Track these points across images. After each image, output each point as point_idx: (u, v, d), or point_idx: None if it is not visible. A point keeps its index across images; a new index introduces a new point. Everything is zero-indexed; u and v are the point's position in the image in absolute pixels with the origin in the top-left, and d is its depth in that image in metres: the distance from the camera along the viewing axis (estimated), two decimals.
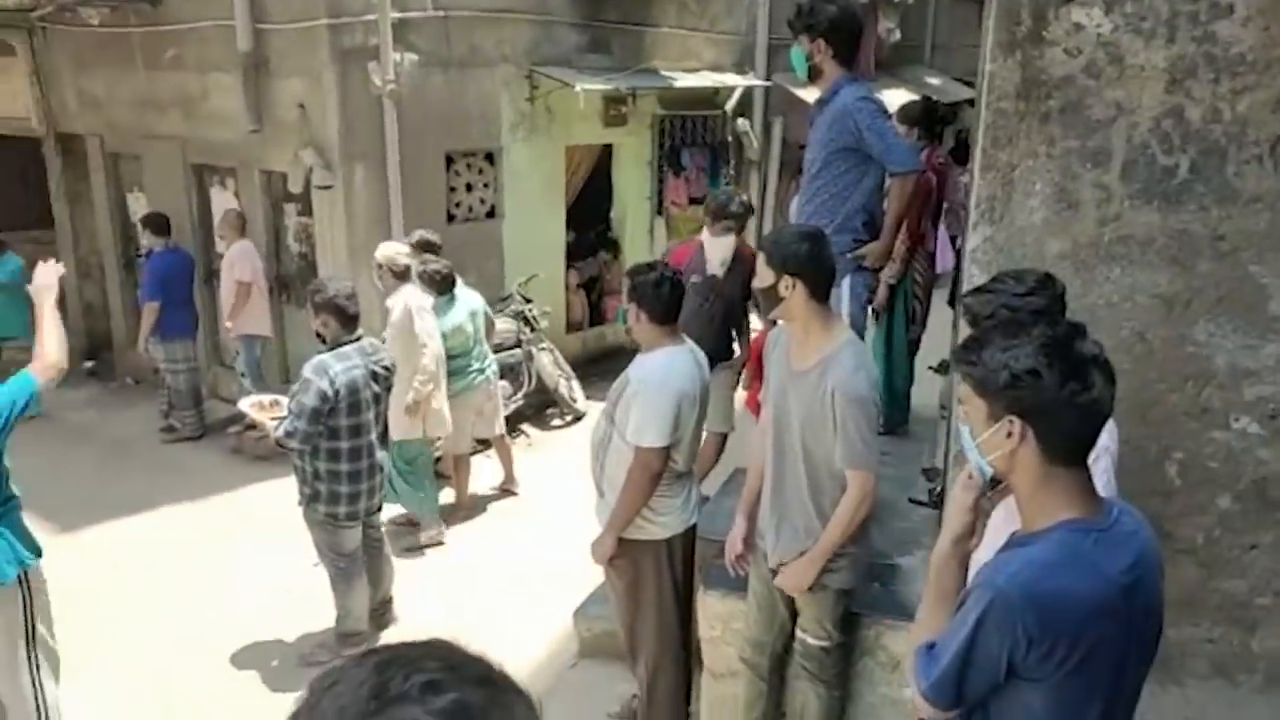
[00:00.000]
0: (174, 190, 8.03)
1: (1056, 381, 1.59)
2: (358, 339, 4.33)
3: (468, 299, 5.87)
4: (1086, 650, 1.59)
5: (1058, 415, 1.61)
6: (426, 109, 6.98)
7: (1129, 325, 2.97)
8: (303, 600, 4.95)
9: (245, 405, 4.65)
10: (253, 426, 6.53)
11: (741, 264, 4.70)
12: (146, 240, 7.46)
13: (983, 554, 1.85)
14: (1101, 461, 2.05)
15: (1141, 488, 2.92)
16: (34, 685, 3.53)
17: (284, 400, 4.38)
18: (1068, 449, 1.65)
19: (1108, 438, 2.04)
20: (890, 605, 3.34)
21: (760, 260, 2.94)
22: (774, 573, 3.09)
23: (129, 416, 8.04)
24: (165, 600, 5.14)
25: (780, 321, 3.10)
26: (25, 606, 3.45)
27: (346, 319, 4.28)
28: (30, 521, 3.56)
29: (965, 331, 2.39)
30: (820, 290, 2.88)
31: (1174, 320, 2.94)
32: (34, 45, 8.83)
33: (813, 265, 2.84)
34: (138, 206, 8.64)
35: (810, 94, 9.34)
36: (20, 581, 3.40)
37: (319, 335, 4.35)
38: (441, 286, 5.68)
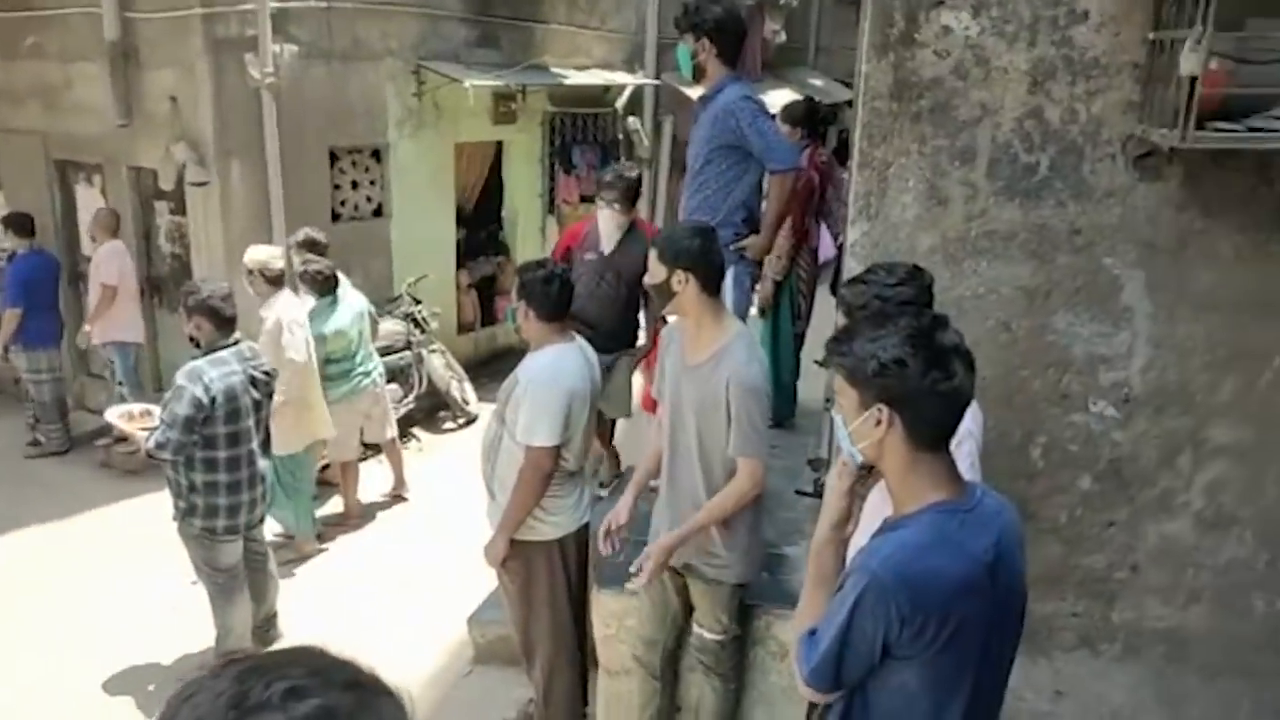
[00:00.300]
0: (35, 188, 7.56)
1: (921, 370, 1.66)
2: (235, 343, 4.12)
3: (351, 301, 5.71)
4: (955, 626, 1.66)
5: (922, 402, 1.68)
6: (308, 103, 6.77)
7: (994, 316, 3.11)
8: (181, 620, 4.73)
9: (113, 416, 4.39)
10: (122, 439, 6.21)
11: (641, 242, 4.46)
12: (9, 242, 6.98)
13: (858, 539, 1.91)
14: (965, 446, 2.13)
15: (1008, 470, 3.07)
16: None
17: (155, 410, 4.16)
18: (932, 435, 1.72)
19: (970, 422, 2.12)
20: (779, 594, 3.40)
21: (652, 257, 2.96)
22: (674, 571, 3.11)
23: None
24: (32, 624, 4.84)
25: (673, 318, 3.13)
26: None
27: (222, 322, 4.07)
28: None
29: (841, 321, 2.46)
30: (711, 284, 2.92)
31: (1035, 311, 3.10)
32: None
33: (704, 260, 2.88)
34: None
35: (698, 93, 9.49)
36: None
37: (193, 340, 4.13)
38: (323, 288, 5.50)
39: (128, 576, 5.27)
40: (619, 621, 3.51)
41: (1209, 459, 3.18)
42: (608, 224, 4.57)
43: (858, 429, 1.74)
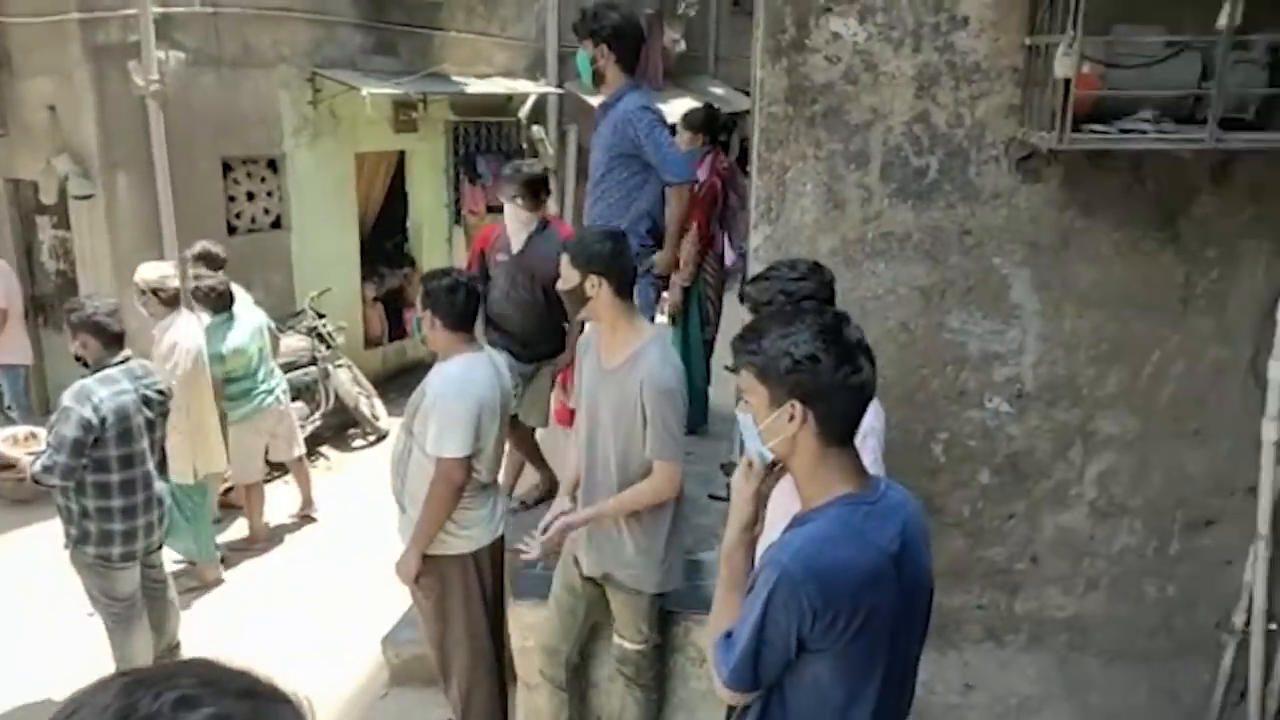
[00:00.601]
0: None
1: (833, 365, 1.69)
2: (125, 360, 3.93)
3: (249, 317, 5.52)
4: (864, 617, 1.70)
5: (834, 397, 1.71)
6: (197, 112, 6.55)
7: (893, 316, 3.20)
8: (77, 655, 4.49)
9: None
10: (8, 466, 5.87)
11: (553, 242, 4.21)
12: None
13: (766, 538, 1.93)
14: (869, 441, 2.18)
15: (912, 467, 3.15)
16: None
17: (41, 433, 3.95)
18: (841, 429, 1.76)
19: (873, 419, 2.17)
20: (696, 600, 3.42)
21: (564, 262, 2.95)
22: (591, 581, 3.10)
23: None
24: None
25: (588, 326, 3.12)
26: None
27: (109, 338, 3.87)
28: None
29: (747, 318, 2.50)
30: (625, 288, 2.92)
31: (932, 310, 3.20)
32: None
33: (616, 264, 2.88)
34: None
35: (600, 100, 9.51)
36: None
37: (79, 359, 3.92)
38: (217, 304, 5.31)
39: (18, 610, 4.99)
40: (536, 634, 3.48)
41: (1099, 450, 3.32)
42: (513, 221, 4.34)
43: (769, 426, 1.76)
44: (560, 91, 9.49)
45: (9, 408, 6.41)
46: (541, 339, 4.34)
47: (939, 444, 3.32)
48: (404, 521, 3.43)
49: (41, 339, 6.91)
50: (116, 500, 3.88)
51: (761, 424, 1.78)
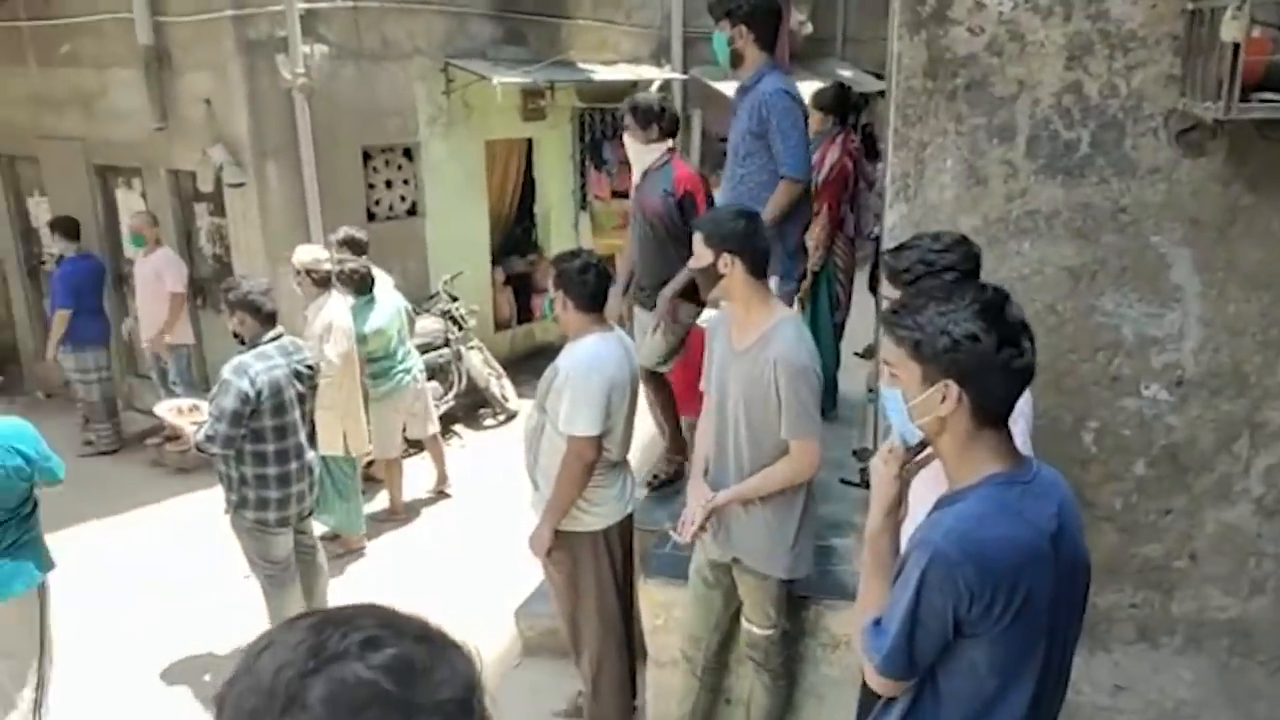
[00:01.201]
0: (77, 193, 7.70)
1: (994, 345, 1.62)
2: (278, 337, 4.19)
3: (388, 299, 5.76)
4: (1023, 599, 1.62)
5: (992, 378, 1.65)
6: (340, 103, 6.83)
7: (1040, 298, 3.06)
8: (234, 614, 4.81)
9: (162, 410, 4.48)
10: (173, 437, 6.32)
11: (664, 179, 4.07)
12: (57, 246, 7.14)
13: (909, 524, 1.88)
14: (1019, 424, 2.10)
15: (1060, 456, 3.02)
16: (38, 688, 3.79)
17: (204, 405, 4.24)
18: (996, 411, 1.69)
19: (1022, 402, 2.09)
20: (829, 586, 3.39)
21: (697, 240, 2.95)
22: (720, 566, 3.11)
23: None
24: (89, 618, 4.94)
25: (717, 308, 3.11)
26: (41, 615, 3.72)
27: (264, 317, 4.13)
28: None
29: (887, 289, 2.44)
30: (758, 267, 2.91)
31: (1082, 292, 3.05)
32: None
33: (750, 242, 2.87)
34: (40, 211, 8.26)
35: (729, 86, 9.40)
36: (39, 592, 3.69)
37: (236, 336, 4.20)
38: (360, 287, 5.55)
39: (181, 571, 5.37)
40: (667, 612, 3.51)
41: (1268, 443, 3.10)
42: (630, 152, 4.21)
43: (920, 404, 1.70)
44: (684, 77, 9.47)
45: (174, 384, 6.88)
46: (653, 281, 4.13)
47: (1089, 433, 3.16)
48: (536, 497, 3.51)
49: (200, 319, 7.36)
50: (272, 468, 4.13)
51: (911, 401, 1.72)
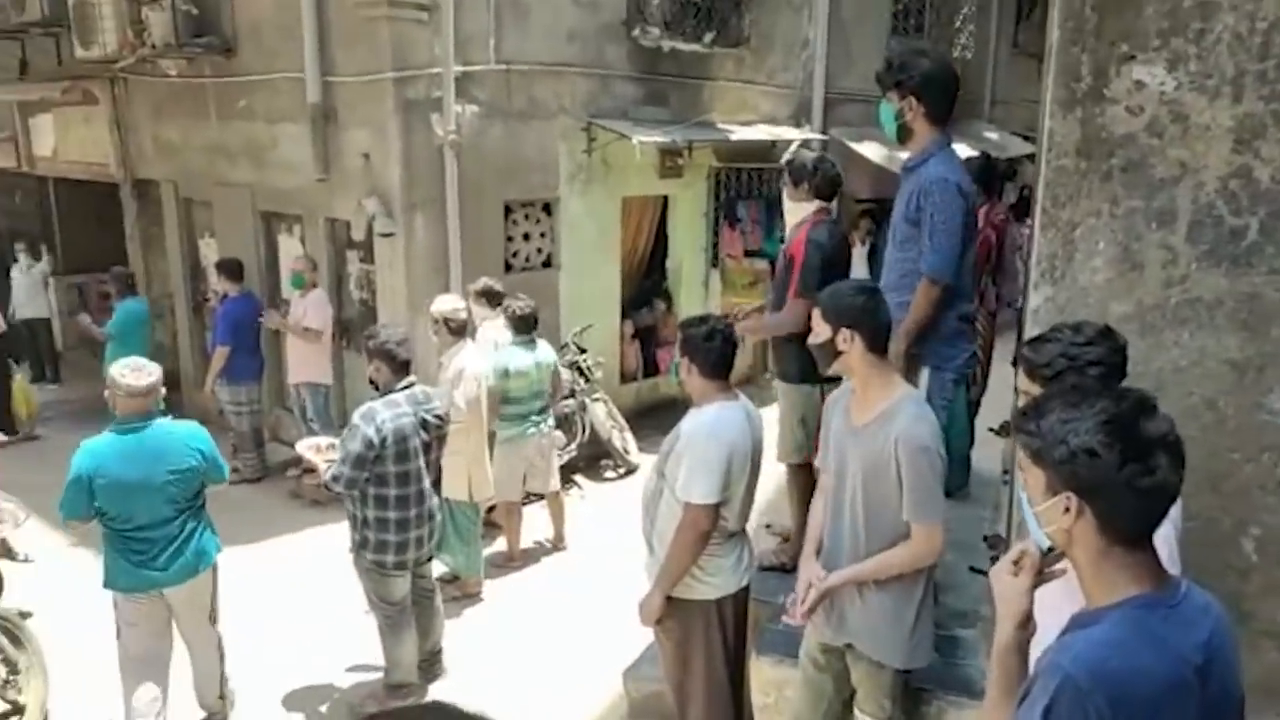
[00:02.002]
0: (243, 236, 8.28)
1: (1115, 462, 1.51)
2: (409, 386, 4.37)
3: (541, 348, 5.96)
4: None
5: (1116, 496, 1.53)
6: (486, 159, 7.12)
7: (1198, 392, 2.86)
8: (352, 648, 4.96)
9: (302, 447, 4.72)
10: (310, 470, 6.62)
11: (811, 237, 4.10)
12: (221, 285, 7.70)
13: (1041, 636, 1.76)
14: (1165, 529, 1.96)
15: (1216, 564, 2.80)
16: (218, 650, 4.38)
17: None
18: (1129, 530, 1.57)
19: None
20: (952, 680, 3.22)
21: (815, 315, 2.93)
22: (833, 650, 3.00)
23: None
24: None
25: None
26: (214, 586, 4.28)
27: (397, 366, 4.34)
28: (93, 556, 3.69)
29: (1023, 383, 2.33)
30: (878, 343, 2.88)
31: (1246, 387, 2.83)
32: (115, 94, 9.25)
33: (870, 318, 2.85)
34: (209, 252, 8.93)
35: (870, 149, 9.32)
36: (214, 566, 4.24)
37: (372, 382, 4.42)
38: (521, 326, 5.80)
39: (307, 601, 5.59)
40: (778, 691, 3.42)
41: None
42: (785, 205, 4.35)
43: (1044, 512, 1.61)
44: (824, 138, 9.44)
45: (311, 421, 7.25)
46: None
47: (1250, 540, 2.91)
48: (651, 561, 3.49)
49: (344, 359, 7.75)
50: (392, 513, 4.28)
51: (1036, 508, 1.63)
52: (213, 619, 4.34)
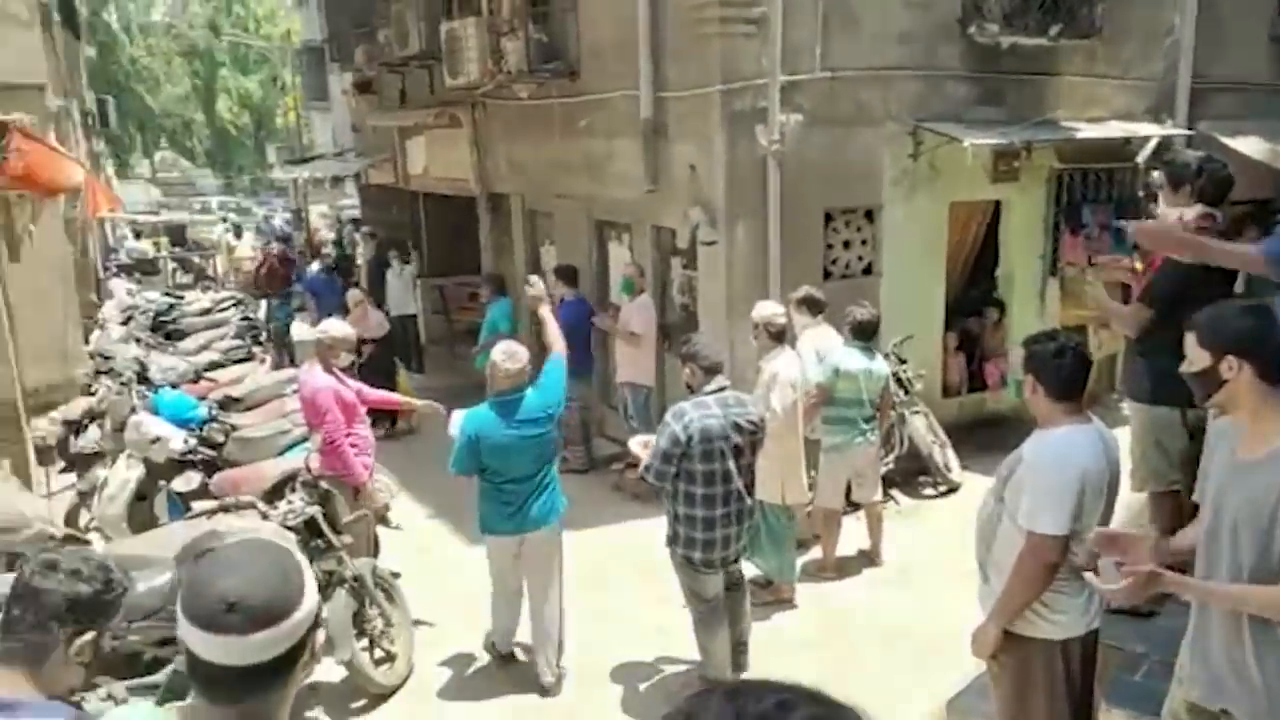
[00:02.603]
0: (578, 244, 8.94)
1: None
2: (720, 390, 4.51)
3: (877, 359, 5.94)
4: None
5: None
6: (807, 167, 7.12)
7: None
8: (666, 640, 5.17)
9: (634, 443, 5.03)
10: (633, 466, 7.01)
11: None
12: (557, 290, 8.37)
13: None
14: None
15: None
16: (560, 609, 4.92)
17: None
18: None
19: None
20: None
21: (1189, 342, 2.62)
22: (1202, 712, 2.66)
23: None
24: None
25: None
26: (560, 541, 4.91)
27: (707, 370, 4.52)
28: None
29: None
30: (1271, 371, 2.53)
31: None
32: (475, 118, 10.38)
33: (1260, 343, 2.53)
34: (548, 258, 9.74)
35: (1247, 144, 8.19)
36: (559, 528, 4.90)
37: (687, 385, 4.64)
38: (858, 332, 5.85)
39: (624, 591, 5.90)
40: None
41: None
42: (1160, 210, 4.07)
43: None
44: (1190, 133, 8.40)
45: (631, 418, 7.66)
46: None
47: None
48: (985, 591, 3.29)
49: (665, 362, 8.09)
50: (699, 510, 4.45)
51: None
52: (559, 573, 4.90)
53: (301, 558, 1.64)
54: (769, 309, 5.62)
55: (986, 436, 7.38)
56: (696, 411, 4.41)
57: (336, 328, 5.67)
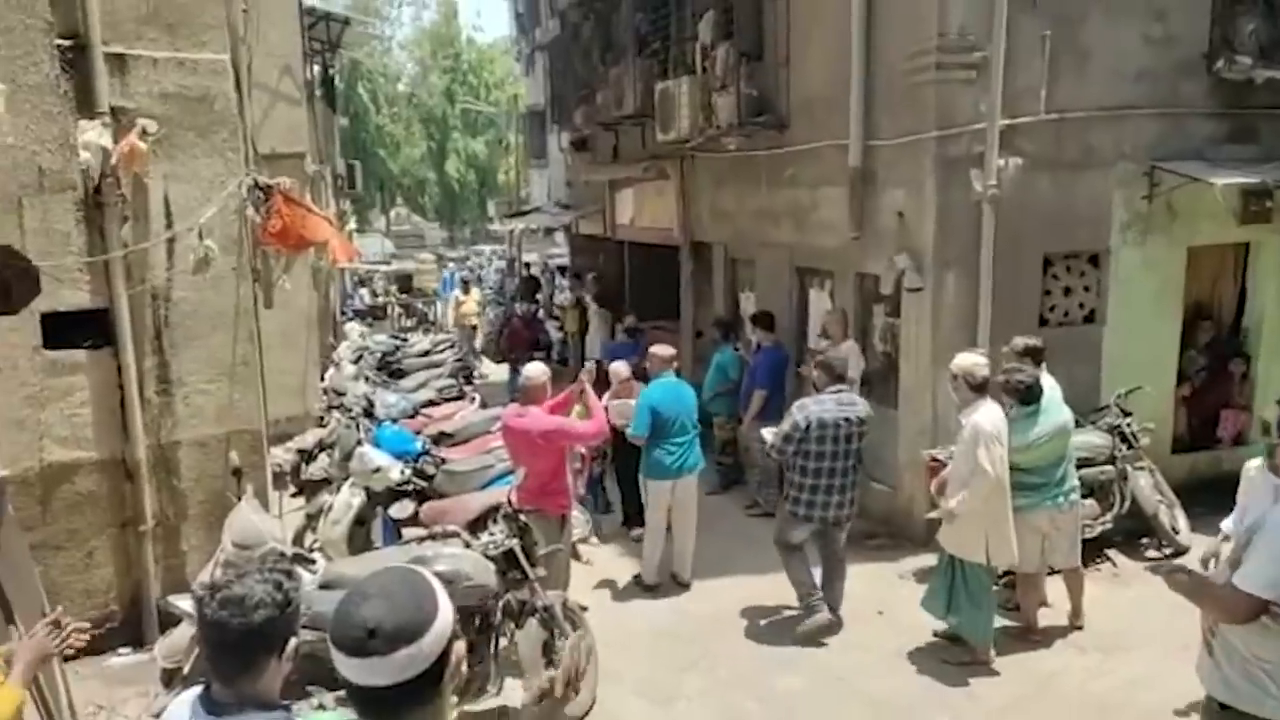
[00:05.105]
0: (779, 290, 8.94)
1: None
2: (839, 391, 5.73)
3: (1056, 413, 5.48)
4: None
5: None
6: (1027, 212, 6.81)
7: None
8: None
9: (766, 432, 5.58)
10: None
11: None
12: (755, 336, 8.42)
13: None
14: None
15: None
16: (693, 538, 6.77)
17: None
18: None
19: None
20: None
21: None
22: None
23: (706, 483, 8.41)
24: (708, 662, 5.62)
25: None
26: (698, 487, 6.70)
27: (833, 376, 5.78)
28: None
29: None
30: None
31: None
32: (683, 170, 10.67)
33: None
34: (746, 304, 9.79)
35: None
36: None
37: (814, 385, 5.86)
38: (1024, 397, 5.37)
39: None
40: None
41: None
42: None
43: None
44: None
45: None
46: None
47: None
48: (1209, 666, 3.00)
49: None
50: (809, 479, 5.70)
51: None
52: (695, 512, 6.61)
53: (432, 578, 1.73)
54: (969, 360, 5.37)
55: (1221, 498, 6.65)
56: (815, 406, 5.66)
57: (534, 371, 5.89)
